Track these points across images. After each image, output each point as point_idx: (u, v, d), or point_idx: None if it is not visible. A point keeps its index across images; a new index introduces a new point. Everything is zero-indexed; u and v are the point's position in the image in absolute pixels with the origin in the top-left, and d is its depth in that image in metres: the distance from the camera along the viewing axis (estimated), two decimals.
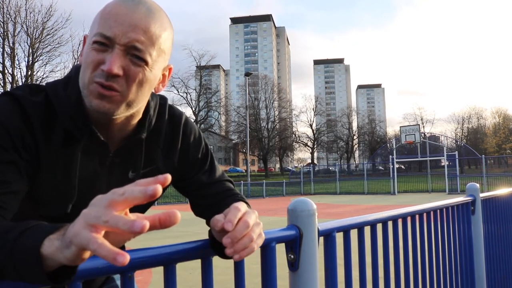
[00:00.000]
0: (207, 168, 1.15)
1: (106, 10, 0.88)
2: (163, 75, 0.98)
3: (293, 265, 1.07)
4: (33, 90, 0.94)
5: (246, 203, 1.08)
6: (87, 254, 0.59)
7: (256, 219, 0.82)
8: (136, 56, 0.87)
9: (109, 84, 0.86)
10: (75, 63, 0.99)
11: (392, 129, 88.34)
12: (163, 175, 0.59)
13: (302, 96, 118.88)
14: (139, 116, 1.00)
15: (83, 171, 0.97)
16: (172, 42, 0.96)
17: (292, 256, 1.07)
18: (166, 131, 1.08)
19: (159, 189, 0.56)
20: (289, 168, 73.26)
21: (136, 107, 0.94)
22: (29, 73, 29.32)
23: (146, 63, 0.88)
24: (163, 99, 1.10)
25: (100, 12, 0.89)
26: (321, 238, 1.17)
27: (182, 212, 0.75)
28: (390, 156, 28.78)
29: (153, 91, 0.99)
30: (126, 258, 0.54)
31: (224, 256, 0.88)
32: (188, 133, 1.12)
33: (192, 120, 1.18)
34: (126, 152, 1.01)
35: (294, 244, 1.06)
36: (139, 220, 0.55)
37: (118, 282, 1.28)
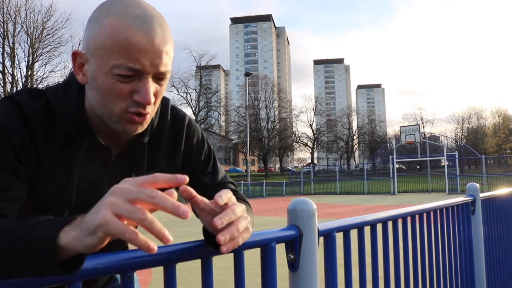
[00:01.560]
0: (210, 170, 1.14)
1: (121, 37, 0.83)
2: None
3: (293, 265, 1.07)
4: (34, 95, 0.94)
5: (248, 204, 1.08)
6: (106, 241, 0.63)
7: (243, 212, 0.81)
8: (161, 78, 0.90)
9: (146, 112, 0.89)
10: None
11: (392, 129, 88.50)
12: (182, 175, 0.64)
13: (302, 96, 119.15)
14: None
15: (86, 175, 0.97)
16: None
17: (292, 256, 1.07)
18: (169, 133, 1.08)
19: (189, 213, 0.62)
20: (289, 168, 73.15)
21: None
22: (29, 73, 29.30)
23: (167, 78, 0.92)
24: (164, 100, 1.10)
25: (113, 37, 0.83)
26: (321, 238, 1.17)
27: None
28: (390, 156, 28.78)
29: None
30: (156, 248, 0.62)
31: (216, 246, 0.87)
32: (191, 135, 1.12)
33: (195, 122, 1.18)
34: (128, 155, 1.02)
35: (294, 244, 1.06)
36: (166, 232, 0.61)
37: None
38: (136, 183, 0.63)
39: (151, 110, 0.91)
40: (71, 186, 0.96)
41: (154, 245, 0.62)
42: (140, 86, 0.86)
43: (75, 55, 0.91)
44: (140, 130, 0.93)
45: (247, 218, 0.82)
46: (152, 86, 0.88)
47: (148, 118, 0.92)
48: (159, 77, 0.89)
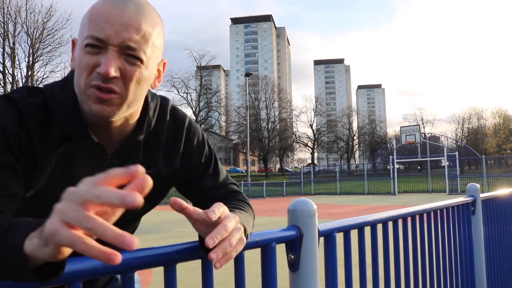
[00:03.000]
0: (211, 172, 1.13)
1: (94, 11, 0.86)
2: (158, 71, 0.97)
3: (293, 266, 1.07)
4: (31, 93, 0.94)
5: (247, 203, 1.08)
6: (67, 251, 0.58)
7: (236, 223, 0.80)
8: (131, 55, 0.86)
9: (107, 86, 0.84)
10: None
11: (392, 130, 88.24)
12: (135, 165, 0.56)
13: (302, 96, 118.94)
14: (137, 115, 0.99)
15: (81, 173, 0.97)
16: (164, 36, 0.96)
17: (292, 257, 1.07)
18: (168, 134, 1.06)
19: (139, 199, 0.52)
20: (287, 168, 72.80)
21: (135, 106, 0.93)
22: (30, 73, 29.34)
23: (141, 61, 0.87)
24: (164, 100, 1.08)
25: (88, 14, 0.87)
26: (321, 239, 1.17)
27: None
28: (391, 157, 28.78)
29: (150, 88, 0.98)
30: (118, 258, 0.53)
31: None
32: (191, 137, 1.10)
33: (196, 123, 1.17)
34: (124, 154, 1.00)
35: (294, 244, 1.06)
36: (127, 236, 0.52)
37: None
38: (92, 183, 0.56)
39: (120, 91, 0.86)
40: (69, 183, 0.96)
41: (115, 254, 0.53)
42: (103, 58, 0.84)
43: (73, 42, 0.94)
44: (110, 114, 0.88)
45: (240, 229, 0.81)
46: (116, 60, 0.84)
47: (119, 101, 0.87)
48: (128, 54, 0.86)
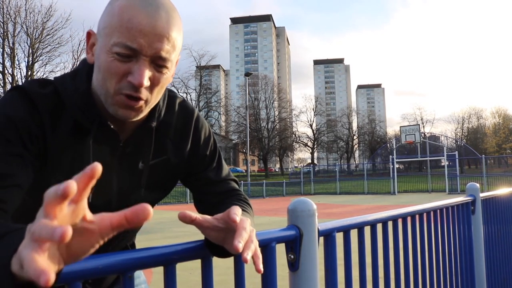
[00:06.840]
0: (215, 165, 1.16)
1: (125, 16, 0.85)
2: None
3: (293, 265, 1.07)
4: (42, 84, 0.95)
5: (248, 204, 1.09)
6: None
7: (250, 224, 0.82)
8: (160, 64, 0.89)
9: (137, 95, 0.88)
10: (75, 64, 0.99)
11: (392, 129, 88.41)
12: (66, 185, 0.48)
13: (302, 96, 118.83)
14: None
15: (93, 161, 0.97)
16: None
17: (292, 256, 1.07)
18: (177, 124, 1.09)
19: (68, 233, 0.46)
20: (276, 170, 72.38)
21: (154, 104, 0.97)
22: (29, 73, 29.33)
23: (168, 68, 0.91)
24: (171, 91, 1.11)
25: (118, 16, 0.86)
26: (321, 238, 1.17)
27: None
28: (390, 156, 28.79)
29: None
30: (47, 278, 0.45)
31: (219, 255, 0.87)
32: (200, 128, 1.13)
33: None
34: (136, 142, 1.02)
35: (294, 244, 1.06)
36: (60, 227, 0.46)
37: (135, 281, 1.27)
38: (41, 214, 0.50)
39: (146, 97, 0.90)
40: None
41: (44, 275, 0.46)
42: (136, 67, 0.86)
43: (88, 34, 0.94)
44: (135, 117, 0.92)
45: (254, 229, 0.84)
46: (148, 70, 0.87)
47: (144, 106, 0.91)
48: (158, 64, 0.88)
